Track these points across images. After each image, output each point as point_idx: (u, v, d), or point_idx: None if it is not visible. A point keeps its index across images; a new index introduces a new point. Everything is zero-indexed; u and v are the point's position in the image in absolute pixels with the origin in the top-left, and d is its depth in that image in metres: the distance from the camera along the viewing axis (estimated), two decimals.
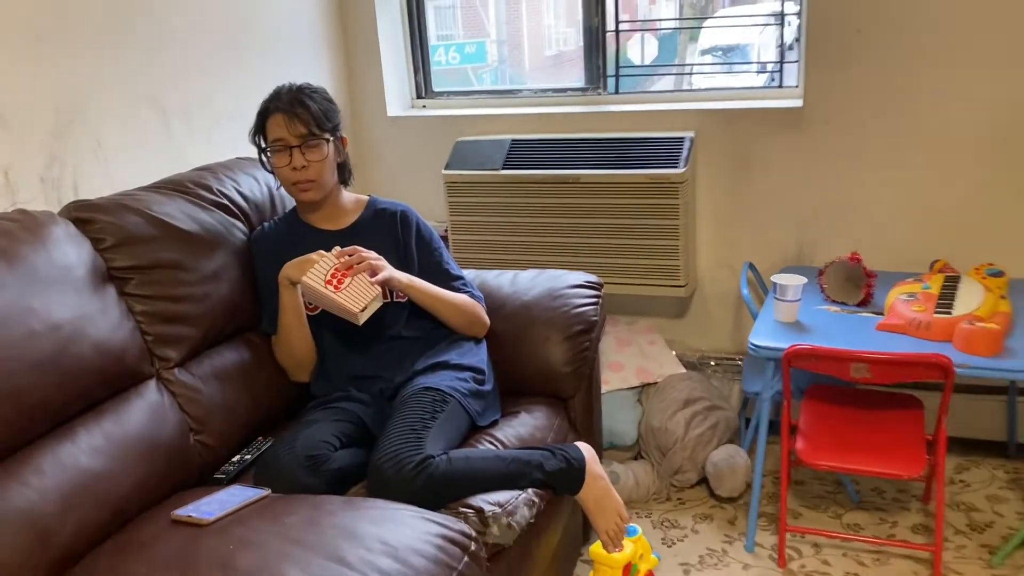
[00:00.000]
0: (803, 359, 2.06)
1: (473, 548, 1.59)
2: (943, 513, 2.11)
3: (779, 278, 2.26)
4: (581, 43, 2.94)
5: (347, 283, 1.88)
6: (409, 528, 1.56)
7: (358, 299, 1.87)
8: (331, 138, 2.03)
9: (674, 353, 2.78)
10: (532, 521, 1.79)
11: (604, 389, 2.60)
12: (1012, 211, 2.48)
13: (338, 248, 1.94)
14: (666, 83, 4.14)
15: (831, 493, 2.52)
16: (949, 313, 2.13)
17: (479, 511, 1.70)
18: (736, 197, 2.75)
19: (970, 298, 2.21)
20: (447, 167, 2.85)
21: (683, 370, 2.71)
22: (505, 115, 2.97)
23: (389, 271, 1.97)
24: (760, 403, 2.27)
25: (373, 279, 1.91)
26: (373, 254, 1.96)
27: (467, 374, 2.02)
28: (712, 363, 2.85)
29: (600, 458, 2.08)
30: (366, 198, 2.18)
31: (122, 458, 1.64)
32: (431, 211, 2.84)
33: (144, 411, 1.73)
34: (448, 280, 2.14)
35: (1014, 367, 1.96)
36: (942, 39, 2.41)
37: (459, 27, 5.70)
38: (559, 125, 2.89)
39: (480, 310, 2.15)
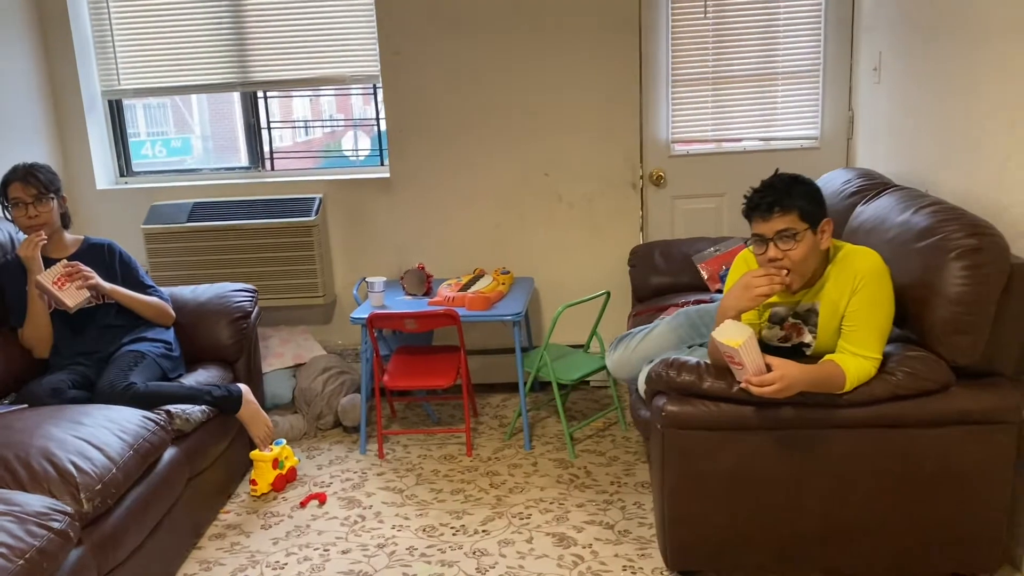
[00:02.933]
0: (379, 320, 3.40)
1: (163, 423, 2.71)
2: (468, 407, 3.52)
3: (370, 279, 3.61)
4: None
5: (68, 286, 2.94)
6: (126, 412, 2.65)
7: (71, 296, 2.94)
8: (54, 196, 3.09)
9: (319, 345, 4.04)
10: (204, 421, 2.94)
11: (269, 368, 3.81)
12: (516, 237, 4.06)
13: (65, 261, 3.00)
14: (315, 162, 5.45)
15: (423, 419, 3.87)
16: (466, 291, 3.59)
17: (167, 411, 2.83)
18: (356, 237, 4.11)
19: (482, 284, 3.69)
20: (144, 223, 3.95)
21: (325, 353, 3.97)
22: (190, 186, 4.13)
23: (96, 280, 3.04)
24: (362, 358, 3.59)
25: (84, 284, 2.98)
26: (86, 268, 3.03)
27: (159, 344, 3.14)
28: (349, 350, 4.14)
29: (265, 408, 3.35)
30: (82, 237, 3.24)
31: None
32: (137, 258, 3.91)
33: None
34: (143, 288, 3.24)
35: (489, 314, 3.43)
36: (470, 137, 3.96)
37: (170, 124, 6.63)
38: (231, 191, 4.10)
39: (166, 307, 3.25)
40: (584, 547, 2.77)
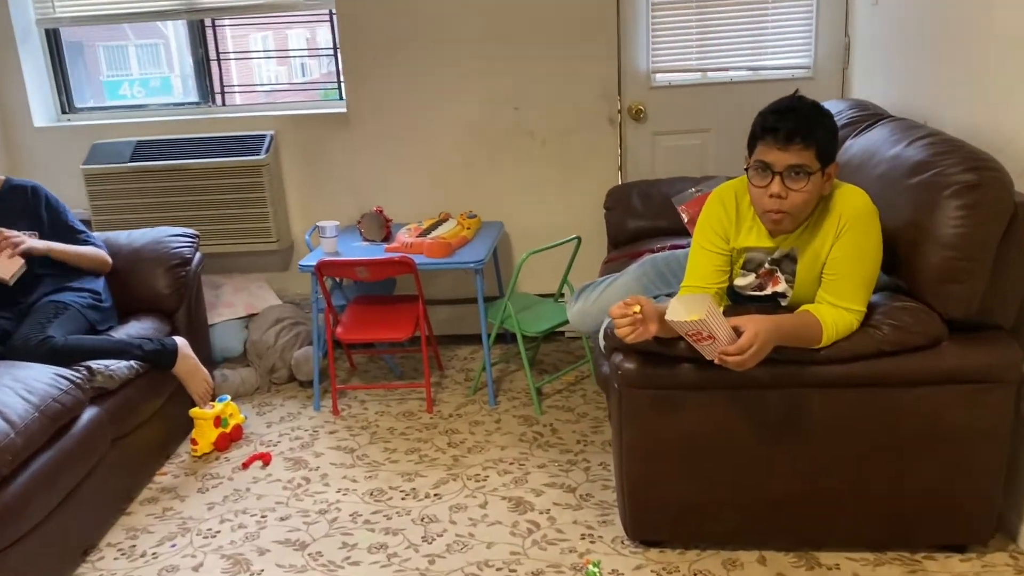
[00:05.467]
0: (328, 268, 3.14)
1: (79, 381, 2.48)
2: (428, 361, 3.28)
3: (320, 222, 3.34)
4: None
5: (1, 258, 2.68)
6: (37, 371, 2.42)
7: (6, 269, 2.68)
8: None
9: (275, 294, 3.79)
10: (132, 377, 2.70)
11: (219, 319, 3.58)
12: (485, 178, 3.77)
13: None
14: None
15: (385, 374, 3.64)
16: (424, 237, 3.32)
17: (88, 367, 2.59)
18: (312, 178, 3.83)
19: (445, 229, 3.42)
20: (85, 163, 3.67)
21: (280, 303, 3.72)
22: (137, 122, 3.84)
23: (28, 244, 2.77)
24: (312, 305, 3.35)
25: (15, 251, 2.72)
26: (14, 233, 2.76)
27: (86, 294, 2.89)
28: (307, 299, 3.89)
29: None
30: (2, 178, 2.97)
31: None
32: (78, 202, 3.65)
33: None
34: (74, 235, 2.97)
35: (449, 262, 3.17)
36: (433, 68, 3.65)
37: (162, 64, 6.34)
38: (179, 129, 3.81)
39: (103, 255, 3.00)
40: (542, 512, 2.56)
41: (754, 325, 1.94)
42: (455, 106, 3.70)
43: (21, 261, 2.74)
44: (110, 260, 3.03)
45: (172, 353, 2.87)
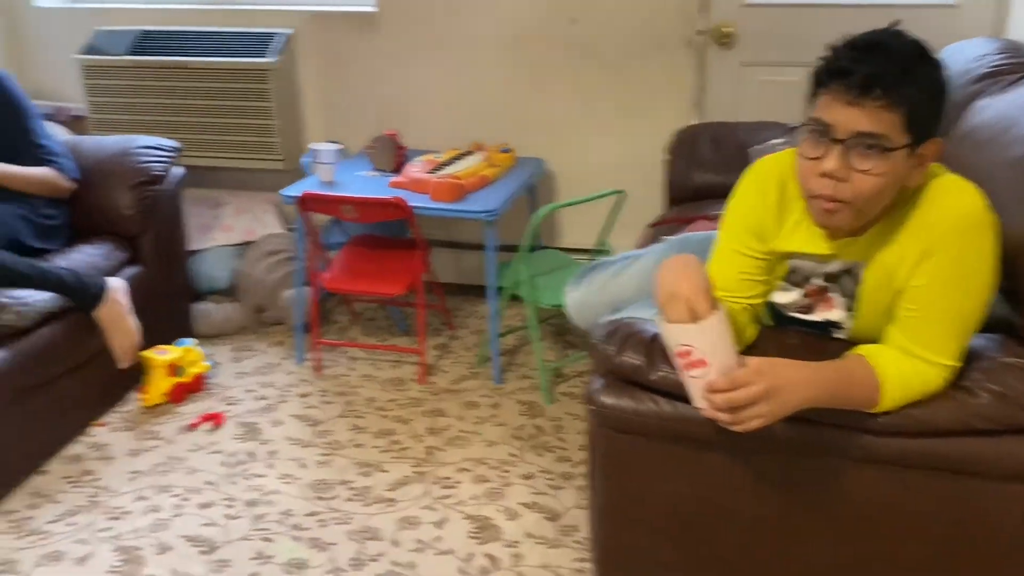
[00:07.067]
0: (312, 202, 2.63)
1: None
2: (423, 325, 2.76)
3: (316, 145, 2.81)
4: None
5: None
6: None
7: None
8: None
9: (281, 221, 3.31)
10: (53, 313, 2.29)
11: (212, 244, 3.15)
12: (529, 103, 3.13)
13: None
14: None
15: (389, 325, 3.15)
16: (435, 173, 2.74)
17: None
18: (332, 88, 3.28)
19: (464, 165, 2.83)
20: (82, 52, 3.24)
21: (282, 232, 3.25)
22: (144, 9, 3.37)
23: None
24: (297, 243, 2.85)
25: None
26: None
27: (23, 203, 2.47)
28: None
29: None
30: None
31: None
32: (75, 97, 3.27)
33: None
34: (30, 145, 2.52)
35: (453, 208, 2.59)
36: None
37: None
38: (187, 19, 3.32)
39: (57, 179, 2.54)
40: (507, 545, 2.03)
41: (766, 363, 1.31)
42: (501, 13, 3.05)
43: None
44: (67, 184, 2.58)
45: (94, 295, 2.41)
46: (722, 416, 1.31)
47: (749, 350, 1.51)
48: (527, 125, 3.16)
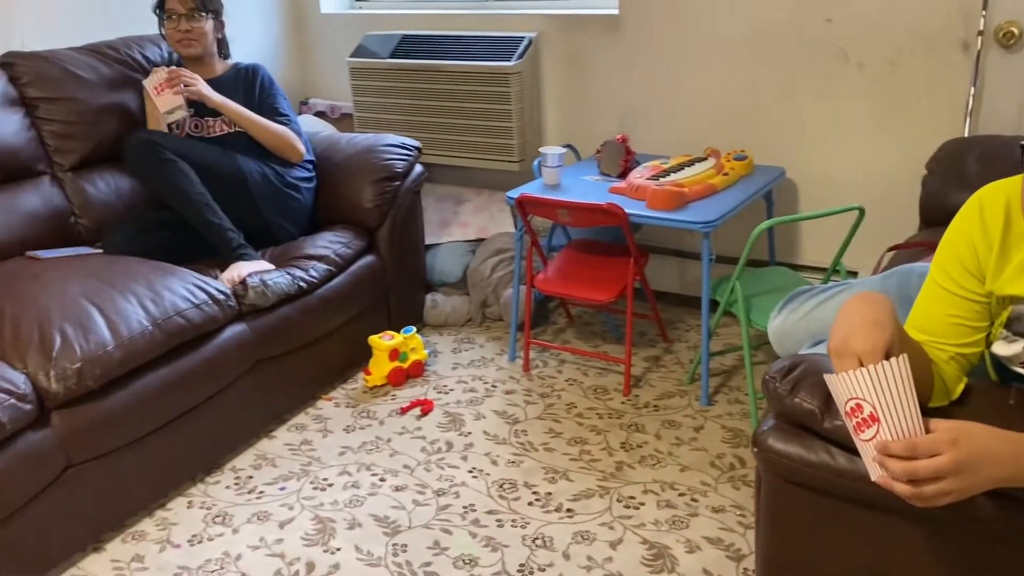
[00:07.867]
0: (530, 204, 2.65)
1: (220, 298, 2.33)
2: (630, 334, 2.68)
3: (544, 149, 2.83)
4: None
5: (166, 93, 2.62)
6: (180, 281, 2.31)
7: (166, 103, 2.61)
8: (212, 16, 2.76)
9: (514, 220, 3.38)
10: (291, 292, 2.51)
11: (447, 239, 3.30)
12: (773, 109, 2.92)
13: (172, 68, 2.67)
14: None
15: (604, 331, 3.11)
16: (658, 180, 2.65)
17: (243, 282, 2.43)
18: (572, 91, 3.29)
19: (691, 172, 2.71)
20: (352, 55, 3.53)
21: (513, 232, 3.32)
22: (410, 15, 3.59)
23: (200, 88, 2.65)
24: (516, 244, 2.89)
25: (183, 90, 2.63)
26: (192, 75, 2.65)
27: (272, 171, 2.72)
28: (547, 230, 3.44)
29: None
30: (233, 62, 2.89)
31: (8, 221, 2.47)
32: (345, 95, 3.58)
33: (36, 195, 2.57)
34: (273, 115, 2.78)
35: (669, 217, 2.48)
36: None
37: None
38: (447, 24, 3.49)
39: (292, 139, 2.77)
40: None
41: (961, 430, 1.10)
42: (748, 12, 2.87)
43: (180, 100, 2.63)
44: (301, 148, 2.80)
45: (224, 256, 2.58)
46: (900, 488, 1.12)
47: (956, 406, 1.29)
48: (769, 131, 2.96)
